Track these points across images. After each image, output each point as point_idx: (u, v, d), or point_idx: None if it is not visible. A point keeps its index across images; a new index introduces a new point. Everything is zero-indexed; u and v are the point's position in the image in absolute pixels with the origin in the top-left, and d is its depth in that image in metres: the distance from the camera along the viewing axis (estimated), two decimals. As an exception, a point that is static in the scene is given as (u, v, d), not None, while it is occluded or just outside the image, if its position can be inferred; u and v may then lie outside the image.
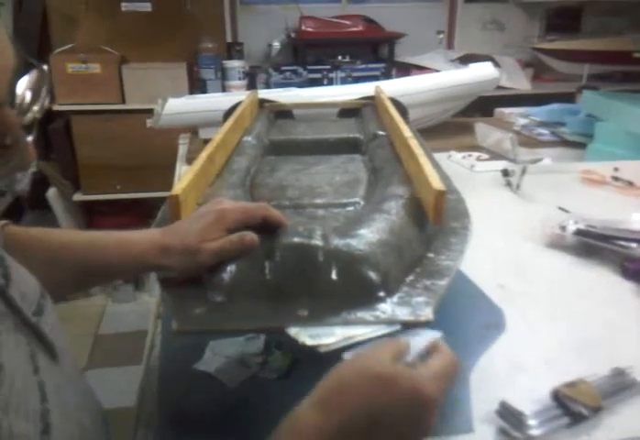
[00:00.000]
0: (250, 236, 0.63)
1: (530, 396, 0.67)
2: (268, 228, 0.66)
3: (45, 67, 0.49)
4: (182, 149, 1.87)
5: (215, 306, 0.60)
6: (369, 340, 0.56)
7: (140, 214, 3.13)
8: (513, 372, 0.74)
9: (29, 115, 0.45)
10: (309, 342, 0.54)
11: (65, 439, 0.46)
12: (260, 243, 0.64)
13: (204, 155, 0.89)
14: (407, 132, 0.96)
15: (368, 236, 0.65)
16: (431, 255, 0.70)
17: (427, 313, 0.58)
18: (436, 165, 0.92)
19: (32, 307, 0.53)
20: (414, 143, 0.89)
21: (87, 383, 0.62)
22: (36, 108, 0.46)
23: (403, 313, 0.58)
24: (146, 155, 2.78)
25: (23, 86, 0.45)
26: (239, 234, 0.64)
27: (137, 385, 0.81)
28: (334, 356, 0.53)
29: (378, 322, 0.57)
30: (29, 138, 0.45)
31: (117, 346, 2.28)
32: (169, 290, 0.64)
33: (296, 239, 0.63)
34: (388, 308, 0.59)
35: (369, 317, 0.58)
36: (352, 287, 0.60)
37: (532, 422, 0.63)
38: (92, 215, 3.14)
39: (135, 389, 0.81)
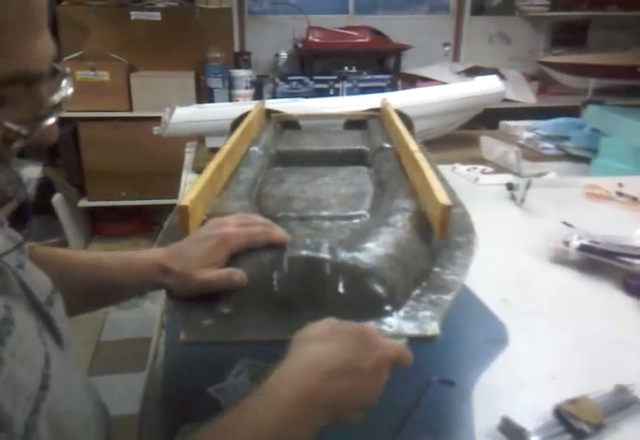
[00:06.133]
0: (239, 276, 0.64)
1: (532, 412, 0.67)
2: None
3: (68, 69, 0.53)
4: (189, 158, 1.88)
5: (223, 317, 0.60)
6: None
7: (145, 220, 3.14)
8: (516, 388, 0.74)
9: (56, 98, 0.49)
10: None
11: (62, 407, 0.47)
12: (268, 255, 0.65)
13: (212, 165, 0.89)
14: (413, 145, 0.97)
15: (375, 250, 0.66)
16: (436, 269, 0.71)
17: (433, 328, 0.58)
18: (442, 179, 0.92)
19: (44, 297, 0.56)
20: (420, 157, 0.90)
21: (90, 382, 0.63)
22: (62, 94, 0.50)
23: (410, 327, 0.59)
24: (152, 162, 2.79)
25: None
26: (229, 271, 0.65)
27: (138, 392, 0.81)
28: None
29: (384, 335, 0.57)
30: (53, 119, 0.48)
31: (119, 353, 2.27)
32: (176, 300, 0.65)
33: (304, 252, 0.64)
34: (394, 322, 0.60)
35: None
36: (359, 300, 0.61)
37: (534, 438, 0.63)
38: (97, 221, 3.14)
39: (136, 396, 0.81)
